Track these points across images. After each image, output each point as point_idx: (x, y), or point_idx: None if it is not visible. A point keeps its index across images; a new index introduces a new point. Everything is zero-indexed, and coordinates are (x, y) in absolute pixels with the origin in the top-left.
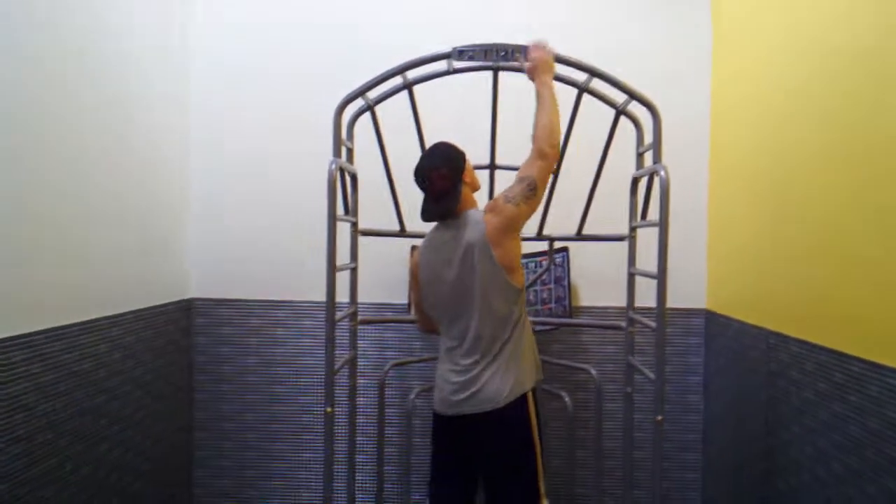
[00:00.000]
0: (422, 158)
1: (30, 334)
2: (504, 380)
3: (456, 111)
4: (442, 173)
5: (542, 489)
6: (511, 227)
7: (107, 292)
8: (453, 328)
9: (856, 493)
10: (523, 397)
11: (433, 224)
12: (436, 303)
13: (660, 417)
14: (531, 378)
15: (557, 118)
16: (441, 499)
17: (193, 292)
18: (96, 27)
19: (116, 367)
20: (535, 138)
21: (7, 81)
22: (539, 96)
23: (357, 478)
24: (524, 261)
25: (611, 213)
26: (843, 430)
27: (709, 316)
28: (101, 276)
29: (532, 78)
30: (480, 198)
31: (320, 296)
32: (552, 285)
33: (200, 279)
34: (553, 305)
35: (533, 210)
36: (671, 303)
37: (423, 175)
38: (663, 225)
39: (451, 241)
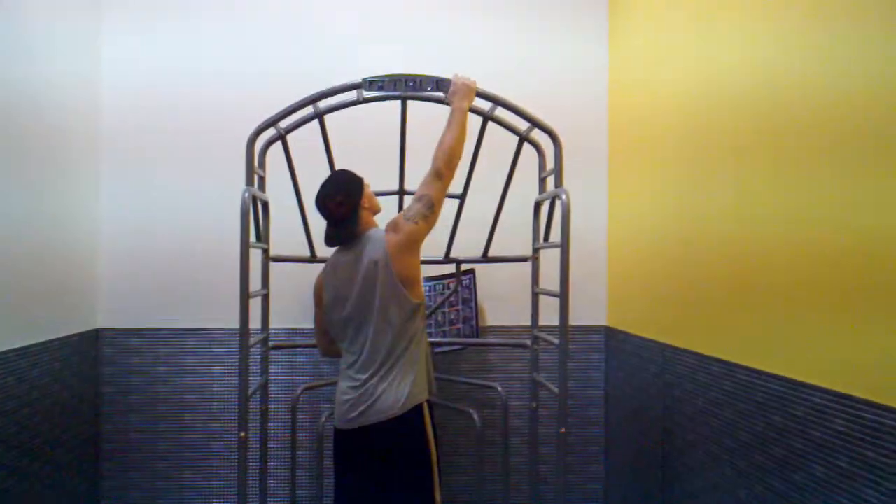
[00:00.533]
0: (320, 187)
1: None
2: (399, 391)
3: (367, 138)
4: (338, 200)
5: (438, 499)
6: (410, 244)
7: (12, 323)
8: (354, 344)
9: (745, 494)
10: (419, 408)
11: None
12: (338, 320)
13: (563, 430)
14: (424, 391)
15: (461, 142)
16: None
17: (100, 322)
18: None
19: (24, 398)
20: (434, 157)
21: None
22: (450, 118)
23: (269, 502)
24: (432, 283)
25: (515, 236)
26: (732, 435)
27: (609, 332)
28: (6, 308)
29: (450, 102)
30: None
31: (230, 322)
32: (460, 306)
33: (108, 309)
34: (461, 326)
35: (430, 227)
36: (573, 320)
37: (322, 203)
38: (565, 246)
39: (352, 261)
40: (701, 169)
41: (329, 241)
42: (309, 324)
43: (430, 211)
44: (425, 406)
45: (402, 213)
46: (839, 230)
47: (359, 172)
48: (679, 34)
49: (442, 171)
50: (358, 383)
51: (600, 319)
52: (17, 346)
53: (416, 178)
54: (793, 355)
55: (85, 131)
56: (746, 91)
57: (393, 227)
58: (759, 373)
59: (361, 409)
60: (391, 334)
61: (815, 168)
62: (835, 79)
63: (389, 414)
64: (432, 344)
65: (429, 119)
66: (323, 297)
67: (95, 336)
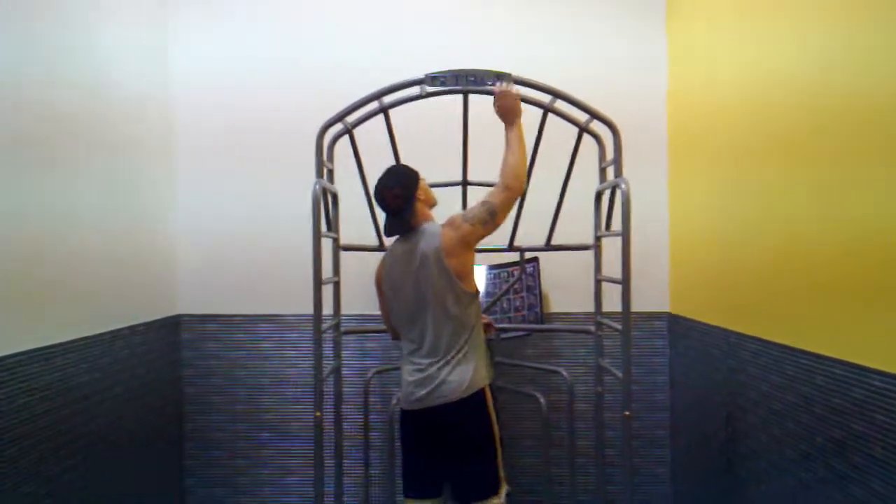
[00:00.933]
0: (378, 180)
1: (16, 354)
2: (462, 375)
3: (430, 131)
4: (395, 192)
5: (502, 474)
6: (464, 244)
7: (104, 310)
8: (413, 331)
9: (808, 476)
10: (481, 391)
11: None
12: (397, 309)
13: (627, 412)
14: (485, 376)
15: (523, 157)
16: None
17: (181, 309)
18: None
19: (112, 378)
20: (502, 174)
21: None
22: (507, 140)
23: (344, 481)
24: (497, 270)
25: (577, 225)
26: (795, 418)
27: (672, 318)
28: (99, 297)
29: (502, 120)
30: (454, 209)
31: (302, 309)
32: (524, 293)
33: (187, 296)
34: (525, 312)
35: (488, 233)
36: (637, 307)
37: (380, 195)
38: (626, 234)
39: (408, 252)
40: (758, 160)
41: (387, 231)
42: (378, 310)
43: (490, 217)
44: (487, 390)
45: (461, 212)
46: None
47: (422, 164)
48: (737, 28)
49: (510, 184)
50: (422, 367)
51: (663, 306)
52: (109, 328)
53: (478, 169)
54: (853, 339)
55: (161, 130)
56: (803, 86)
57: (451, 223)
58: (819, 357)
59: (427, 391)
60: (451, 324)
61: (870, 162)
62: (888, 77)
63: (453, 397)
64: (498, 329)
65: (489, 112)
66: (383, 287)
67: (176, 322)
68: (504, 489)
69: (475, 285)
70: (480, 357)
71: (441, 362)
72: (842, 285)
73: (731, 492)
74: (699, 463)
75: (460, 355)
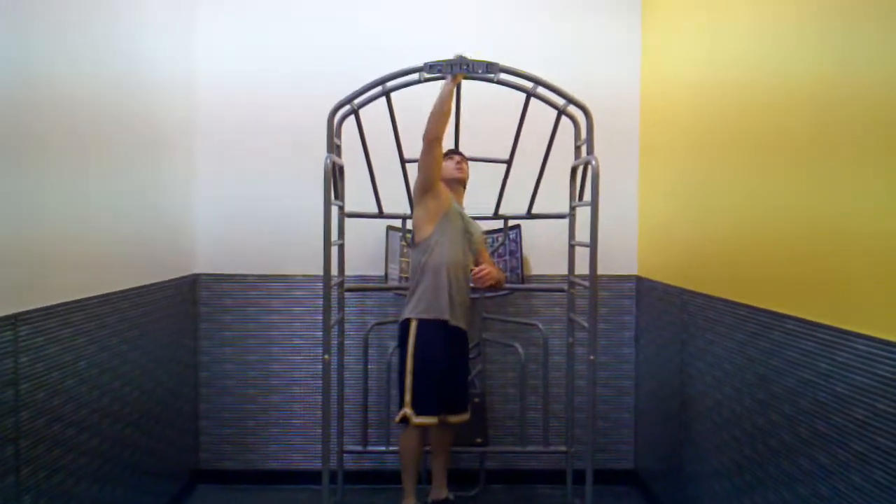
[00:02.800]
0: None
1: (56, 305)
2: (404, 307)
3: (427, 113)
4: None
5: (406, 398)
6: (416, 196)
7: (130, 268)
8: None
9: (741, 407)
10: (406, 321)
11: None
12: None
13: (592, 357)
14: (415, 311)
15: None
16: None
17: (198, 268)
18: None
19: (133, 332)
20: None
21: (41, 76)
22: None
23: (345, 423)
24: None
25: (555, 196)
26: (732, 361)
27: (639, 280)
28: (126, 257)
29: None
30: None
31: (309, 269)
32: (507, 257)
33: (204, 257)
34: (508, 274)
35: (421, 183)
36: (607, 270)
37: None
38: (594, 204)
39: None
40: (718, 140)
41: None
42: (377, 271)
43: (419, 171)
44: (413, 322)
45: None
46: (826, 221)
47: (418, 142)
48: (706, 18)
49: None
50: None
51: (632, 269)
52: (139, 284)
53: (468, 143)
54: (791, 295)
55: (183, 105)
56: (763, 72)
57: None
58: (754, 309)
59: None
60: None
61: (815, 135)
62: (845, 70)
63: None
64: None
65: (479, 95)
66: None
67: (194, 280)
68: (401, 412)
69: (421, 237)
70: (419, 295)
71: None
72: (782, 248)
73: (683, 427)
74: (658, 408)
75: (410, 290)
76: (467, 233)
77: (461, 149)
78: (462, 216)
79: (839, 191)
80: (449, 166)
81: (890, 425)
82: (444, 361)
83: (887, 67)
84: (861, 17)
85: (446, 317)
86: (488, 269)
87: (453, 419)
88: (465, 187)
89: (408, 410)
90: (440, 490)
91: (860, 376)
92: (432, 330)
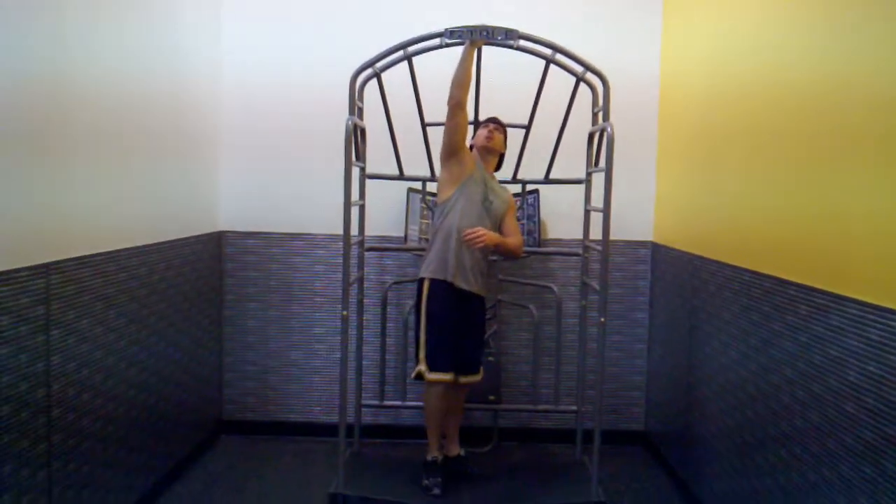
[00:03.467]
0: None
1: (87, 256)
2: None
3: (447, 77)
4: None
5: (420, 354)
6: (442, 159)
7: (154, 224)
8: None
9: (748, 366)
10: (421, 280)
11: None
12: None
13: (603, 319)
14: (429, 270)
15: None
16: None
17: (223, 225)
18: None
19: (162, 285)
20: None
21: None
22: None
23: (363, 379)
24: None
25: (573, 162)
26: (737, 325)
27: (654, 247)
28: (160, 215)
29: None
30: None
31: (330, 229)
32: (525, 221)
33: (229, 214)
34: (526, 237)
35: (446, 146)
36: (624, 236)
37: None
38: (608, 170)
39: None
40: (738, 118)
41: None
42: (397, 232)
43: (444, 134)
44: (426, 282)
45: None
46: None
47: (439, 107)
48: (724, 9)
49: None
50: None
51: (648, 236)
52: (165, 239)
53: (488, 109)
54: (792, 263)
55: (206, 67)
56: (770, 66)
57: None
58: (756, 273)
59: None
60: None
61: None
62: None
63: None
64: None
65: (500, 62)
66: None
67: (219, 237)
68: (416, 368)
69: (441, 199)
70: (432, 256)
71: None
72: (785, 217)
73: (691, 390)
74: (668, 371)
75: (426, 250)
76: (487, 200)
77: (481, 113)
78: (486, 183)
79: (839, 170)
80: (481, 135)
81: (879, 387)
82: (452, 321)
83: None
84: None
85: (451, 279)
86: (479, 231)
87: (464, 379)
88: (499, 156)
89: (422, 367)
90: (452, 447)
91: (853, 340)
92: (441, 290)
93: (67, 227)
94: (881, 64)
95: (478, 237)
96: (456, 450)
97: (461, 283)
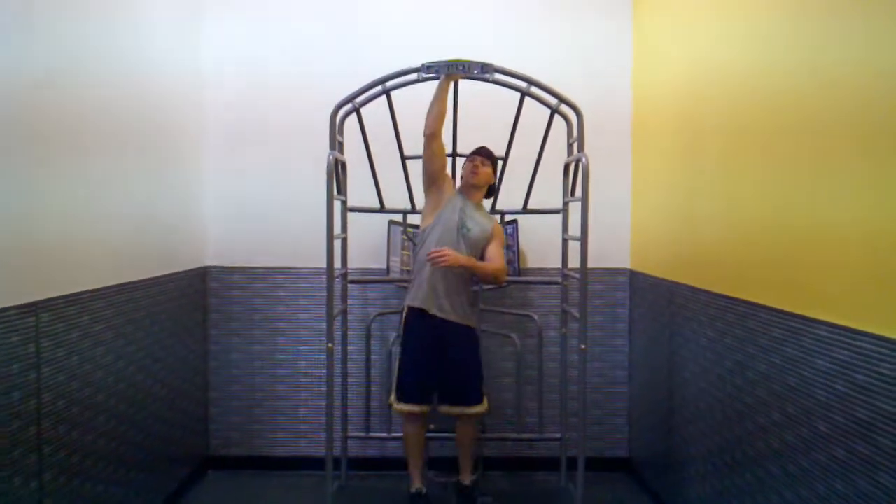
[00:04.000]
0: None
1: (76, 294)
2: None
3: (424, 109)
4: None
5: (393, 386)
6: (423, 185)
7: (140, 261)
8: None
9: (726, 389)
10: (402, 310)
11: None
12: None
13: (583, 346)
14: (407, 299)
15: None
16: None
17: (208, 261)
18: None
19: (147, 321)
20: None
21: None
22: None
23: (348, 412)
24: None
25: (550, 192)
26: (713, 349)
27: (632, 274)
28: (136, 248)
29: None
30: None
31: (313, 263)
32: (504, 251)
33: (213, 250)
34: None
35: (427, 177)
36: (601, 264)
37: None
38: (584, 200)
39: None
40: (707, 139)
41: None
42: (379, 264)
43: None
44: (405, 310)
45: None
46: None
47: (417, 140)
48: (694, 18)
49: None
50: None
51: (625, 263)
52: (150, 276)
53: (465, 141)
54: (763, 286)
55: (192, 105)
56: (748, 72)
57: None
58: (732, 299)
59: None
60: None
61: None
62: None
63: None
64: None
65: (475, 95)
66: None
67: (204, 272)
68: (390, 397)
69: (421, 227)
70: (411, 283)
71: None
72: (758, 242)
73: (671, 415)
74: (649, 397)
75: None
76: (465, 227)
77: (458, 146)
78: (464, 210)
79: (805, 193)
80: (466, 169)
81: (846, 405)
82: (422, 350)
83: (855, 76)
84: (843, 16)
85: (425, 306)
86: (444, 251)
87: (455, 411)
88: (484, 188)
89: (391, 397)
90: (462, 476)
91: (822, 360)
92: (415, 318)
93: (55, 265)
94: (847, 78)
95: (441, 255)
96: (466, 479)
97: (435, 311)
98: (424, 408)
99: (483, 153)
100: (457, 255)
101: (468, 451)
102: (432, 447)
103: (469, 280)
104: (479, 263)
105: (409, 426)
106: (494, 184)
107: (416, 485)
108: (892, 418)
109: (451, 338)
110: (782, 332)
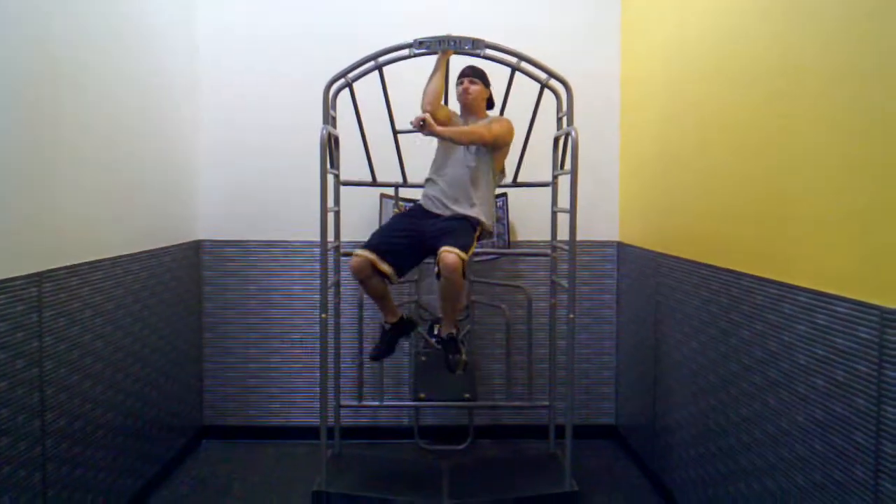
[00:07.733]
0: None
1: (77, 265)
2: None
3: (415, 87)
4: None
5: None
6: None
7: (136, 234)
8: None
9: (707, 356)
10: None
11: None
12: None
13: (572, 315)
14: None
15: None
16: None
17: (202, 234)
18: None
19: (144, 293)
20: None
21: (53, 44)
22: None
23: (341, 382)
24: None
25: (539, 166)
26: (698, 317)
27: (620, 246)
28: (130, 220)
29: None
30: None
31: (307, 236)
32: (495, 224)
33: (207, 223)
34: (496, 240)
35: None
36: (590, 236)
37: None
38: (574, 173)
39: None
40: (692, 115)
41: None
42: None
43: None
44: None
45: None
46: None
47: (408, 115)
48: (676, 5)
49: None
50: None
51: (613, 235)
52: (146, 248)
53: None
54: (746, 256)
55: (189, 76)
56: (724, 51)
57: None
58: (716, 268)
59: None
60: None
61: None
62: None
63: None
64: (476, 253)
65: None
66: None
67: (198, 245)
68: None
69: None
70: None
71: None
72: (739, 212)
73: (657, 382)
74: (636, 365)
75: None
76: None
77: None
78: (466, 124)
79: (782, 165)
80: (458, 92)
81: (825, 368)
82: (406, 218)
83: (835, 55)
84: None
85: (422, 202)
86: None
87: (440, 252)
88: (483, 103)
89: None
90: (443, 328)
91: (803, 326)
92: (414, 208)
93: (56, 237)
94: (828, 57)
95: (420, 118)
96: (446, 330)
97: (428, 206)
98: (384, 266)
99: (468, 73)
100: (434, 125)
101: (449, 305)
102: (422, 416)
103: (465, 179)
104: (455, 129)
105: (354, 262)
106: (490, 95)
107: (389, 317)
108: (868, 379)
109: (436, 221)
110: (764, 299)
